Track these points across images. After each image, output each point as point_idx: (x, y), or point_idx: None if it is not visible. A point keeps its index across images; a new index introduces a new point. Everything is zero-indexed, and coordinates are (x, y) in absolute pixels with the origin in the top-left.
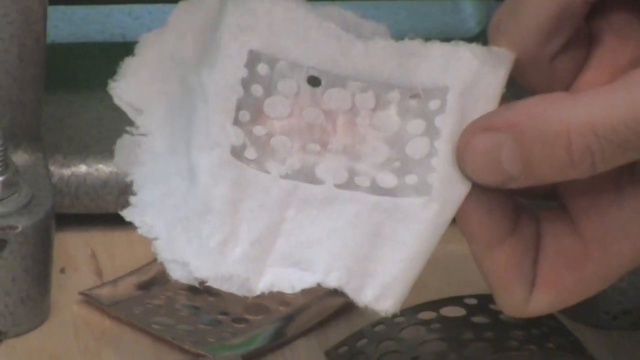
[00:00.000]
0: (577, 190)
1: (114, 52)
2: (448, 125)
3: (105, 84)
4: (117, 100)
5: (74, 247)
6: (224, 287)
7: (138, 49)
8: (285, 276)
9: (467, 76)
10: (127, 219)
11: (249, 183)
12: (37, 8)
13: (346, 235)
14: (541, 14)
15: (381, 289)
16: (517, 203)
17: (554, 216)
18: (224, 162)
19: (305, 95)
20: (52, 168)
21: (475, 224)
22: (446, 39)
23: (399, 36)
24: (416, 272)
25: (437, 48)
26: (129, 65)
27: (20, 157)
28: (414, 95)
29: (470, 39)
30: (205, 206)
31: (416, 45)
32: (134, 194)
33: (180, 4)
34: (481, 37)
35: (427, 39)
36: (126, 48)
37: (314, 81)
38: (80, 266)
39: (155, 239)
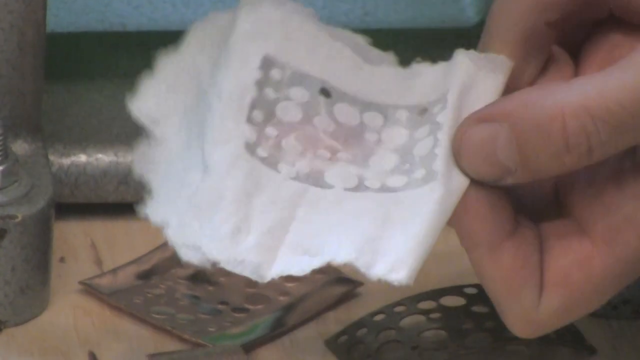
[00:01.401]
0: (579, 186)
1: (114, 42)
2: (449, 120)
3: (106, 73)
4: (135, 115)
5: (73, 236)
6: (237, 270)
7: (155, 69)
8: (296, 262)
9: (464, 78)
10: (141, 214)
11: (261, 178)
12: None
13: (356, 222)
14: (508, 43)
15: (394, 262)
16: (517, 205)
17: (557, 217)
18: (238, 155)
19: (316, 103)
20: (52, 157)
21: (476, 223)
22: (445, 28)
23: (399, 25)
24: (427, 249)
25: (441, 65)
26: (147, 84)
27: (20, 147)
28: (422, 111)
29: (469, 28)
30: (219, 194)
31: (422, 67)
32: (149, 194)
33: (198, 22)
34: (480, 27)
35: (427, 29)
36: (126, 37)
37: (325, 92)
38: (80, 255)
39: (167, 226)
